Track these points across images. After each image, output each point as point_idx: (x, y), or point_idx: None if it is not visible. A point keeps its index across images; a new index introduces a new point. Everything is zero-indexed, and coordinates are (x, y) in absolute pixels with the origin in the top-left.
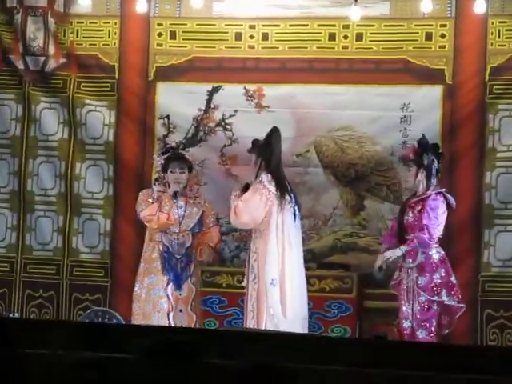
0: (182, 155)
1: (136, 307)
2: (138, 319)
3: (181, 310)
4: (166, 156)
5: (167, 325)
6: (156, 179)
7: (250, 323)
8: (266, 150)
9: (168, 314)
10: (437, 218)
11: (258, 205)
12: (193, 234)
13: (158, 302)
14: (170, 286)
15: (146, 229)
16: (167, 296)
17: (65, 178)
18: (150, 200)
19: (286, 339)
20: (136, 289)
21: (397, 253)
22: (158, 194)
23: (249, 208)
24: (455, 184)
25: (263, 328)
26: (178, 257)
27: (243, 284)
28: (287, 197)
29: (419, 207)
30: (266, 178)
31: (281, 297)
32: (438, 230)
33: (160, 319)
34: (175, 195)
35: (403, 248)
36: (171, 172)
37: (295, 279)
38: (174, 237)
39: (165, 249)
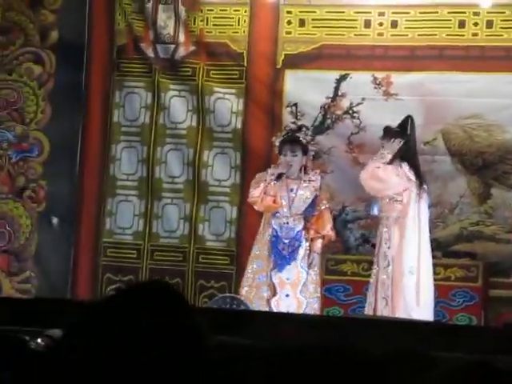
0: (295, 138)
1: (243, 291)
2: None
3: (287, 295)
4: (280, 139)
5: (267, 310)
6: None
7: (383, 311)
8: (398, 135)
9: (269, 300)
10: None
11: (394, 183)
12: (305, 218)
13: (260, 289)
14: (276, 271)
15: None
16: (271, 281)
17: (192, 166)
18: (261, 183)
19: (420, 327)
20: (247, 271)
21: None
22: (271, 177)
23: (385, 179)
24: None
25: (396, 315)
26: (286, 241)
27: (373, 271)
28: (424, 185)
29: None
30: (405, 165)
31: (416, 285)
32: None
33: (260, 306)
34: (279, 177)
35: None
36: (284, 155)
37: (428, 267)
38: (283, 220)
39: (274, 232)
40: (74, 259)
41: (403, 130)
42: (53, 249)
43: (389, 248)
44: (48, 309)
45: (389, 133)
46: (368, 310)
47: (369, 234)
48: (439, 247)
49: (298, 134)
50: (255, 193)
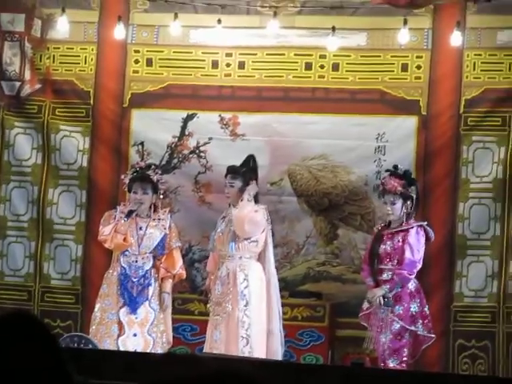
0: (145, 176)
1: (91, 330)
2: None
3: (135, 334)
4: (130, 177)
5: (115, 349)
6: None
7: (244, 350)
8: (253, 177)
9: (117, 338)
10: (418, 251)
11: (262, 225)
12: (154, 257)
13: (110, 327)
14: (124, 310)
15: None
16: (119, 319)
17: (37, 204)
18: (111, 221)
19: (271, 366)
20: (95, 310)
21: (381, 292)
22: (121, 214)
23: (259, 222)
24: (428, 214)
25: (258, 354)
26: (135, 279)
27: (228, 310)
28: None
29: (399, 238)
30: (264, 207)
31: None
32: (419, 263)
33: (109, 345)
34: (129, 215)
35: (385, 288)
36: (134, 193)
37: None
38: (132, 259)
39: (122, 271)
40: None
41: (250, 170)
42: None
43: (246, 287)
44: None
45: (238, 171)
46: (213, 347)
47: None
48: (286, 287)
49: (148, 172)
50: (105, 231)
